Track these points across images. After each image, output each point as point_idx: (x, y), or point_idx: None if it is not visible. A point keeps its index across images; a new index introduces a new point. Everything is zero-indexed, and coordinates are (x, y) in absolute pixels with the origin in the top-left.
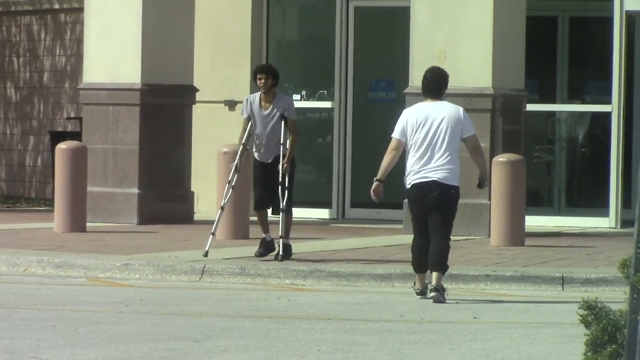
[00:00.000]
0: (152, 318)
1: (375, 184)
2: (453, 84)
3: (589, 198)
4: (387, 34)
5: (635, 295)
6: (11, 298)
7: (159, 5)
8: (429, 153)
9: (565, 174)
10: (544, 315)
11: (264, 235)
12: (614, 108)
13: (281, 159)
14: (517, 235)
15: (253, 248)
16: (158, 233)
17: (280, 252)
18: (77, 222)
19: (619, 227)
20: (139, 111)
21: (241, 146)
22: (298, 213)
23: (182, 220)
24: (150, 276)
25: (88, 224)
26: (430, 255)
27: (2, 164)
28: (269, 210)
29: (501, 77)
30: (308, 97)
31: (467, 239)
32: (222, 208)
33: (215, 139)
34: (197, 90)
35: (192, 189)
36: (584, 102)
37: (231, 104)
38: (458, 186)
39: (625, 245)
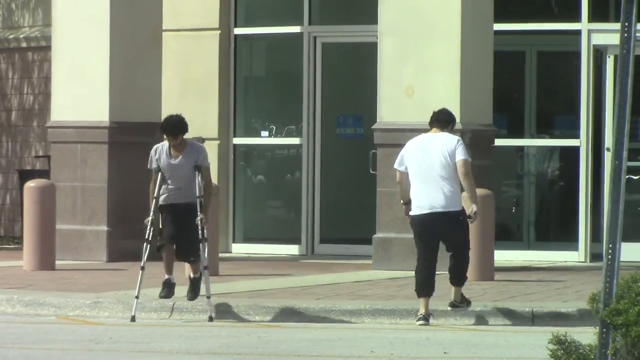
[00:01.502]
0: (123, 356)
1: (404, 207)
2: (421, 119)
3: (558, 232)
4: (355, 69)
5: (604, 330)
6: None
7: (126, 44)
8: (427, 182)
9: (535, 208)
10: (514, 350)
11: (167, 276)
12: (582, 142)
13: (198, 211)
14: (486, 270)
15: (222, 285)
16: (127, 270)
17: (189, 291)
18: (46, 260)
19: (588, 261)
20: (107, 149)
21: (154, 200)
22: (268, 249)
23: (151, 257)
24: (120, 314)
25: (57, 262)
26: (450, 269)
27: None
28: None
29: (469, 112)
30: (276, 134)
31: (436, 274)
32: (142, 268)
33: None
34: None
35: (160, 227)
36: (552, 136)
37: (200, 141)
38: (462, 209)
39: (595, 279)
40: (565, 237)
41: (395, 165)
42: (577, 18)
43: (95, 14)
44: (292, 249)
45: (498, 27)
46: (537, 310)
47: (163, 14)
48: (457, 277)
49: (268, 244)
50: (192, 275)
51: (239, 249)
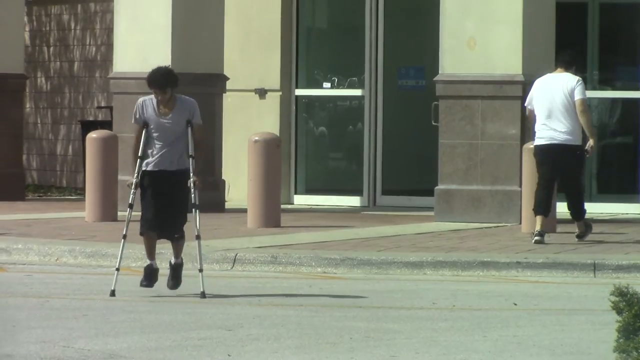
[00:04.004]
0: (184, 307)
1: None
2: (483, 71)
3: (619, 184)
4: (417, 21)
5: None
6: (43, 287)
7: None
8: (549, 117)
9: (596, 160)
10: (576, 302)
11: (149, 262)
12: None
13: (191, 173)
14: (549, 222)
15: (285, 237)
16: (189, 221)
17: (170, 279)
18: (108, 212)
19: None
20: None
21: (137, 160)
22: (329, 201)
23: (213, 208)
24: None
25: (119, 213)
26: (568, 208)
27: (33, 153)
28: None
29: (531, 64)
30: (338, 85)
31: (498, 226)
32: (124, 237)
33: (246, 128)
34: (228, 78)
35: (223, 177)
36: (614, 88)
37: (262, 93)
38: (580, 144)
39: None
40: (626, 189)
41: (525, 104)
42: None
43: None
44: (354, 201)
45: None
46: (599, 262)
47: None
48: (577, 212)
49: (330, 195)
50: (173, 261)
51: (301, 200)
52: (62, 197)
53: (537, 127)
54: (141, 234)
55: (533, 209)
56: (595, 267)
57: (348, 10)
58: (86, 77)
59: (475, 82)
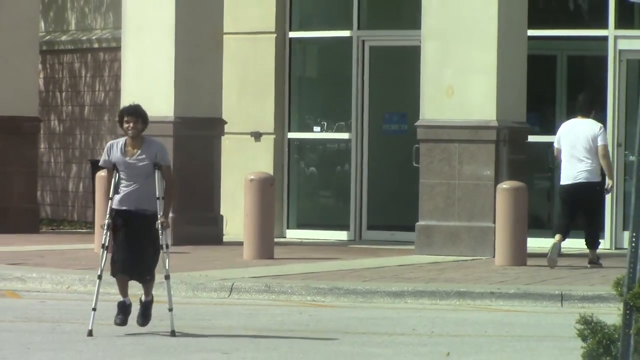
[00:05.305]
0: (185, 332)
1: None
2: (460, 117)
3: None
4: (400, 71)
5: (627, 312)
6: (55, 313)
7: (190, 45)
8: (573, 158)
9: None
10: (545, 330)
11: (122, 299)
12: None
13: (159, 214)
14: (519, 256)
15: (278, 268)
16: (190, 253)
17: (139, 316)
18: None
19: (613, 249)
20: (172, 142)
21: (110, 202)
22: (319, 235)
23: (212, 241)
24: (183, 293)
25: None
26: (585, 237)
27: (46, 189)
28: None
29: (505, 111)
30: (327, 129)
31: (473, 259)
32: (100, 277)
33: (242, 167)
34: (226, 122)
35: (221, 213)
36: None
37: (257, 136)
38: (600, 181)
39: (619, 265)
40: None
41: (555, 144)
42: (604, 25)
43: (162, 17)
44: (341, 235)
45: (532, 32)
46: (566, 293)
47: (224, 18)
48: (592, 242)
49: (319, 230)
50: (143, 299)
51: (293, 234)
52: (73, 230)
53: (563, 167)
54: (112, 275)
55: (554, 231)
56: (562, 298)
57: (336, 60)
58: (96, 120)
59: (453, 127)
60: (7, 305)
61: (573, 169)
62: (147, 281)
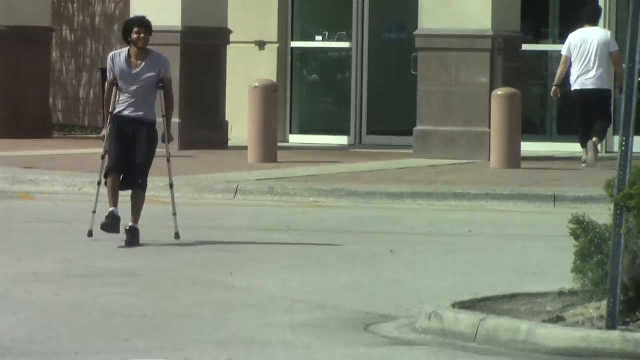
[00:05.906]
0: (193, 231)
1: (554, 87)
2: (457, 27)
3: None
4: None
5: (618, 211)
6: (67, 214)
7: None
8: (585, 65)
9: (557, 105)
10: (538, 229)
11: (111, 208)
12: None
13: (165, 129)
14: (513, 159)
15: (280, 171)
16: (196, 157)
17: (126, 238)
18: None
19: (604, 152)
20: (179, 51)
21: (109, 114)
22: (320, 140)
23: (217, 146)
24: (189, 194)
25: None
26: (595, 129)
27: (58, 96)
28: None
29: (500, 21)
30: (329, 38)
31: (469, 162)
32: (99, 183)
33: (247, 75)
34: (231, 32)
35: (226, 119)
36: None
37: (261, 44)
38: (609, 88)
39: (611, 167)
40: None
41: (563, 52)
42: None
43: None
44: (342, 139)
45: None
46: (559, 194)
47: None
48: (599, 131)
49: (320, 134)
50: (130, 224)
51: (295, 139)
52: (84, 135)
53: (572, 73)
54: (105, 175)
55: (579, 141)
56: (555, 198)
57: None
58: (106, 30)
59: (450, 36)
60: (20, 206)
61: (583, 77)
62: (138, 185)
